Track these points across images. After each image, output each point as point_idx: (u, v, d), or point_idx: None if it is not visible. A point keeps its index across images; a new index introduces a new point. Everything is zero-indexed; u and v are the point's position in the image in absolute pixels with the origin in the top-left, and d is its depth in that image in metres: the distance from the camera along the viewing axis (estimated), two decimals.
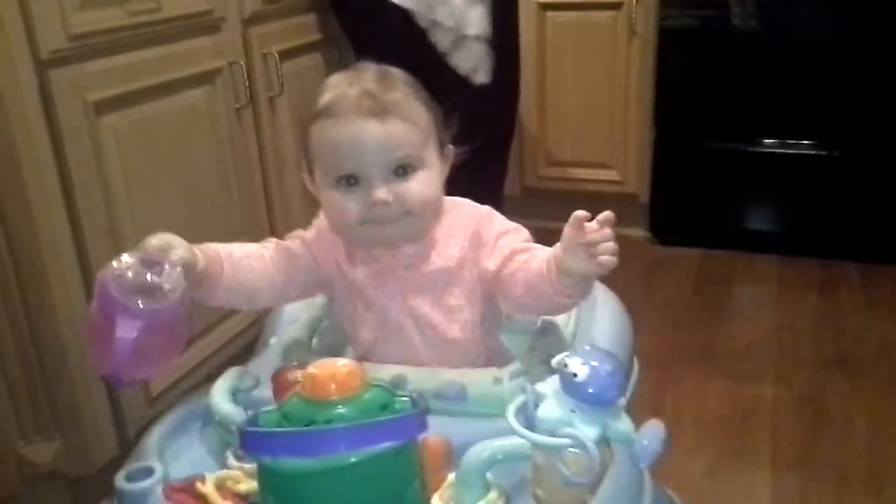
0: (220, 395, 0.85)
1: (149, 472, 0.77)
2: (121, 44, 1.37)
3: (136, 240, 1.35)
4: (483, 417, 0.81)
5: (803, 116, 2.28)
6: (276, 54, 1.74)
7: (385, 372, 0.86)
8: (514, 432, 0.70)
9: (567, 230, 0.79)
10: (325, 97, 0.88)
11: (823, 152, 2.29)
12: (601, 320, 1.02)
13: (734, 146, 2.36)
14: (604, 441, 0.71)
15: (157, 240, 0.81)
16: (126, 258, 0.76)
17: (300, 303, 1.04)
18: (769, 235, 2.41)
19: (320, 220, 0.97)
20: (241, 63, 1.65)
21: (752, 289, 2.24)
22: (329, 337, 1.03)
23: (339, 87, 0.88)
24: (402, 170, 0.87)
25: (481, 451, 0.72)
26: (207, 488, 0.73)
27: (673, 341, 1.95)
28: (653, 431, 0.71)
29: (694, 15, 2.28)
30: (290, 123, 1.81)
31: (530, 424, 0.71)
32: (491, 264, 0.91)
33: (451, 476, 0.74)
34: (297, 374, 0.77)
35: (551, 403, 0.71)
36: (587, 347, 0.75)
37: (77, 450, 1.34)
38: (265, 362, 0.94)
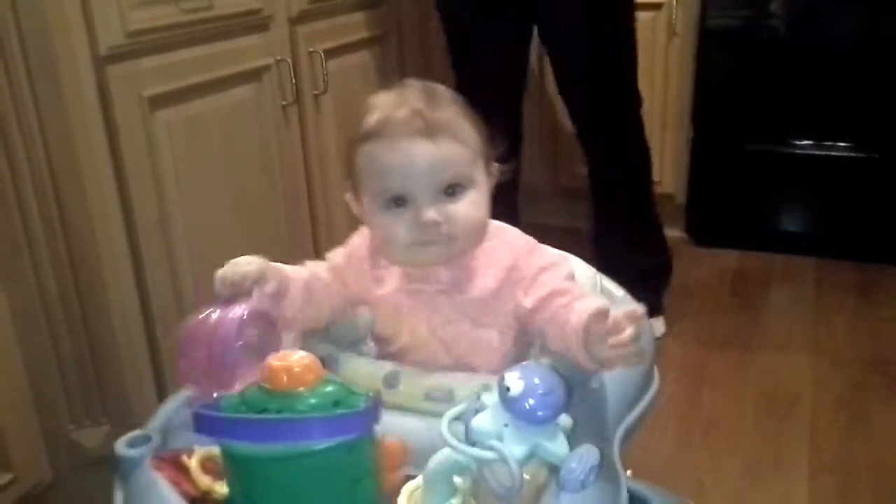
0: None
1: (147, 439, 0.78)
2: (174, 41, 1.40)
3: (185, 232, 1.43)
4: None
5: (841, 118, 2.27)
6: (322, 52, 1.77)
7: (380, 367, 0.88)
8: (442, 438, 0.70)
9: (590, 320, 0.78)
10: (372, 118, 0.87)
11: (861, 154, 2.28)
12: None
13: (772, 147, 2.36)
14: (535, 460, 0.71)
15: (254, 269, 0.83)
16: (252, 312, 0.79)
17: None
18: (806, 237, 2.40)
19: (352, 242, 0.97)
20: (288, 61, 1.67)
21: (788, 290, 2.23)
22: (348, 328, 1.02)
23: (386, 107, 0.87)
24: (452, 190, 0.86)
25: (448, 454, 0.72)
26: (192, 463, 0.76)
27: (710, 342, 1.95)
28: (582, 457, 0.69)
29: (735, 15, 2.28)
30: (334, 121, 1.84)
31: (466, 433, 0.71)
32: (528, 302, 0.89)
33: (420, 478, 0.74)
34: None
35: (487, 415, 0.71)
36: (532, 363, 0.75)
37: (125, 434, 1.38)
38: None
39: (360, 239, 0.97)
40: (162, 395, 1.43)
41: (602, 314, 0.77)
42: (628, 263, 1.77)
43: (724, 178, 2.41)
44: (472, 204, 0.87)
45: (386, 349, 0.97)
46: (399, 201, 0.86)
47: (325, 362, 0.80)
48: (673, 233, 2.50)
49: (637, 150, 1.91)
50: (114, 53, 1.28)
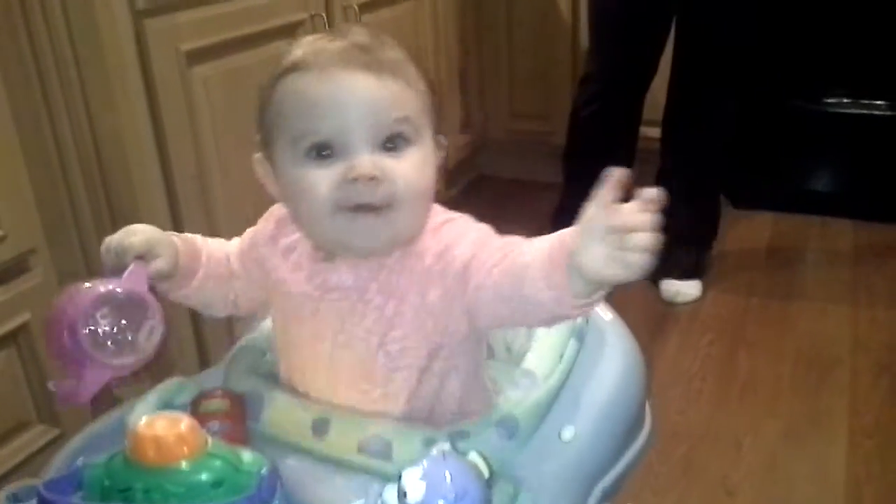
0: (142, 412, 0.72)
1: (31, 490, 0.64)
2: None
3: (223, 189, 1.42)
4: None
5: (879, 75, 2.22)
6: (356, 6, 1.74)
7: (309, 410, 0.73)
8: None
9: (591, 209, 0.58)
10: (298, 51, 0.70)
11: None
12: (603, 370, 0.81)
13: (809, 105, 2.30)
14: None
15: (139, 241, 0.72)
16: (101, 290, 0.67)
17: None
18: (843, 198, 2.35)
19: (260, 221, 0.82)
20: (323, 15, 1.65)
21: (826, 252, 2.20)
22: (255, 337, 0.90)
23: (317, 42, 0.71)
24: (394, 143, 0.68)
25: None
26: None
27: (746, 304, 1.93)
28: None
29: None
30: None
31: None
32: (475, 280, 0.69)
33: None
34: (214, 405, 0.72)
35: None
36: (443, 455, 0.59)
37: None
38: (215, 375, 0.83)
39: (269, 218, 0.81)
40: (203, 357, 1.43)
41: (610, 197, 0.58)
42: (681, 215, 1.75)
43: (760, 138, 2.37)
44: (418, 165, 0.69)
45: (282, 344, 0.81)
46: (324, 150, 0.68)
47: (247, 400, 0.74)
48: None
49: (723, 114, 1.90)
50: (151, 7, 1.26)
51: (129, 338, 0.68)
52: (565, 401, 0.77)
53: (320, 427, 0.71)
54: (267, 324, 0.88)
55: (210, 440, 0.57)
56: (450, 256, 0.70)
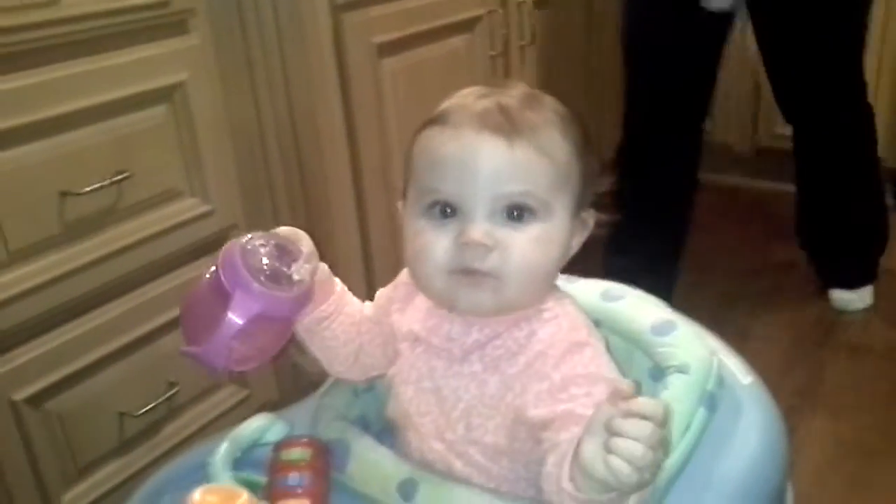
0: (224, 453, 0.71)
1: None
2: None
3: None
4: None
5: None
6: (531, 2, 1.77)
7: (397, 469, 0.69)
8: None
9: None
10: (445, 103, 0.70)
11: None
12: (736, 446, 0.71)
13: None
14: None
15: (291, 232, 0.72)
16: (260, 237, 0.68)
17: None
18: None
19: (387, 289, 0.79)
20: (500, 11, 1.69)
21: None
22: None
23: (468, 95, 0.69)
24: (518, 213, 0.65)
25: None
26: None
27: None
28: None
29: None
30: (537, 73, 1.85)
31: None
32: (536, 410, 0.66)
33: None
34: (295, 454, 0.69)
35: None
36: None
37: None
38: (306, 410, 0.80)
39: (398, 284, 0.79)
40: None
41: (617, 393, 0.55)
42: (839, 223, 1.68)
43: None
44: (538, 240, 0.66)
45: (387, 410, 0.78)
46: (447, 209, 0.66)
47: (333, 449, 0.72)
48: None
49: (854, 120, 1.74)
50: (349, 1, 1.33)
51: (285, 269, 0.68)
52: (689, 481, 0.68)
53: (407, 489, 0.67)
54: None
55: None
56: (539, 386, 0.67)
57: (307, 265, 0.69)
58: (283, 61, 1.29)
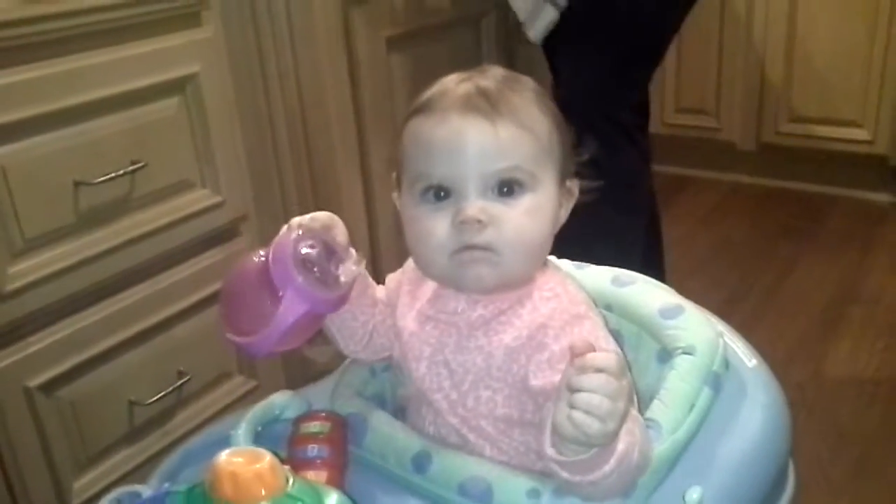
0: (246, 426, 0.72)
1: (136, 496, 0.66)
2: None
3: None
4: None
5: None
6: None
7: (411, 442, 0.71)
8: None
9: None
10: (427, 92, 0.72)
11: None
12: (740, 425, 0.72)
13: None
14: None
15: (328, 219, 0.74)
16: (310, 234, 0.70)
17: None
18: None
19: (396, 274, 0.82)
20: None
21: None
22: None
23: (449, 82, 0.72)
24: (507, 188, 0.69)
25: None
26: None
27: None
28: None
29: None
30: None
31: None
32: (536, 381, 0.69)
33: None
34: (314, 427, 0.70)
35: None
36: None
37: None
38: (323, 390, 0.81)
39: (406, 270, 0.81)
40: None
41: (571, 350, 0.59)
42: None
43: None
44: (529, 212, 0.69)
45: (401, 390, 0.81)
46: (440, 192, 0.69)
47: (351, 424, 0.73)
48: (882, 198, 2.36)
49: None
50: None
51: (332, 269, 0.70)
52: (693, 458, 0.69)
53: (421, 461, 0.69)
54: None
55: (292, 481, 0.55)
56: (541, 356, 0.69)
57: (354, 267, 0.72)
58: (293, 54, 1.30)
